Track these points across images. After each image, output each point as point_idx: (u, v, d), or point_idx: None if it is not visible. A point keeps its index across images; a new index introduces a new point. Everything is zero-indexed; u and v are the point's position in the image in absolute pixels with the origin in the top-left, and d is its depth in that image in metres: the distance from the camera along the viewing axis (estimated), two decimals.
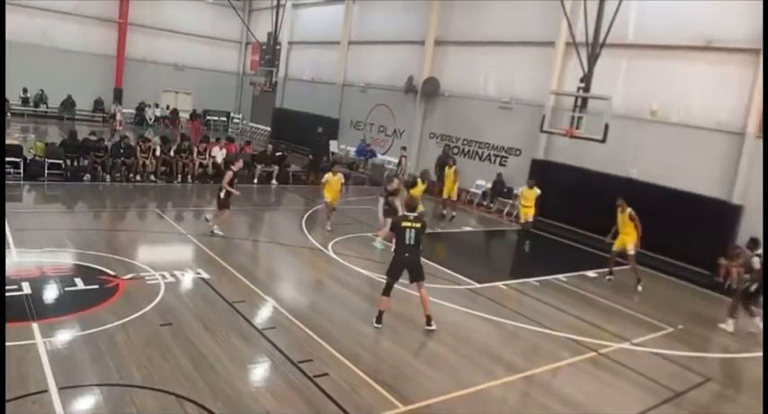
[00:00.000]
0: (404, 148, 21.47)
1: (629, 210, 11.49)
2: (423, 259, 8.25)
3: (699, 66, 14.26)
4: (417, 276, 8.09)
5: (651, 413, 6.70)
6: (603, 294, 10.94)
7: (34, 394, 5.43)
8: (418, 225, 7.96)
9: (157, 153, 16.86)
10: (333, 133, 25.64)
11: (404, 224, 8.01)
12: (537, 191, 13.95)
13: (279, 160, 19.33)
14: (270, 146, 19.94)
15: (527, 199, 14.07)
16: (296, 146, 25.87)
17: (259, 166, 18.45)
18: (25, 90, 27.99)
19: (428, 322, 8.10)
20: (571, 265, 12.54)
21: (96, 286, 8.32)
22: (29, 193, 14.27)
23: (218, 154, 18.19)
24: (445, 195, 16.35)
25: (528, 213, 14.08)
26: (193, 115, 31.24)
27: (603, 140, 13.23)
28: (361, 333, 7.83)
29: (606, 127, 13.05)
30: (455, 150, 20.38)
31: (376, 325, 8.00)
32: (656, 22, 14.89)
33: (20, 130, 23.30)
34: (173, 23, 31.55)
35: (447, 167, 16.50)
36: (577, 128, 13.89)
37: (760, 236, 12.80)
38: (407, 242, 7.96)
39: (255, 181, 18.22)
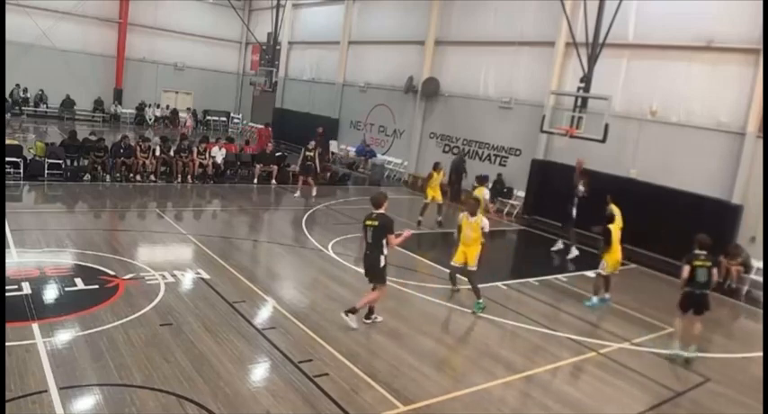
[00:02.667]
0: (319, 128, 22.31)
1: None
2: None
3: (699, 66, 14.26)
4: (370, 277, 7.94)
5: (651, 413, 6.71)
6: None
7: (34, 394, 5.43)
8: (376, 223, 7.67)
9: (157, 153, 16.86)
10: (333, 133, 25.70)
11: (365, 222, 7.81)
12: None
13: (278, 160, 19.33)
14: (269, 145, 19.94)
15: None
16: (296, 146, 25.82)
17: (258, 166, 18.45)
18: (25, 90, 27.99)
19: (348, 311, 7.74)
20: (571, 265, 12.54)
21: (96, 286, 8.32)
22: (29, 193, 14.26)
23: (218, 154, 18.21)
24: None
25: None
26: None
27: (603, 140, 13.26)
28: (361, 333, 7.82)
29: (606, 127, 13.08)
30: (455, 150, 20.41)
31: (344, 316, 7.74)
32: (656, 22, 14.89)
33: (20, 130, 23.30)
34: (173, 23, 31.56)
35: (436, 173, 14.86)
36: (577, 128, 13.90)
37: (760, 236, 12.90)
38: (367, 240, 7.82)
39: (255, 181, 18.21)
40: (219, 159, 18.16)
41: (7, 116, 25.91)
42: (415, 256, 11.86)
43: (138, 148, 16.59)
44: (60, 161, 15.48)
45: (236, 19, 31.80)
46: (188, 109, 31.98)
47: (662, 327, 9.54)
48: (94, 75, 29.67)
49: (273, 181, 18.51)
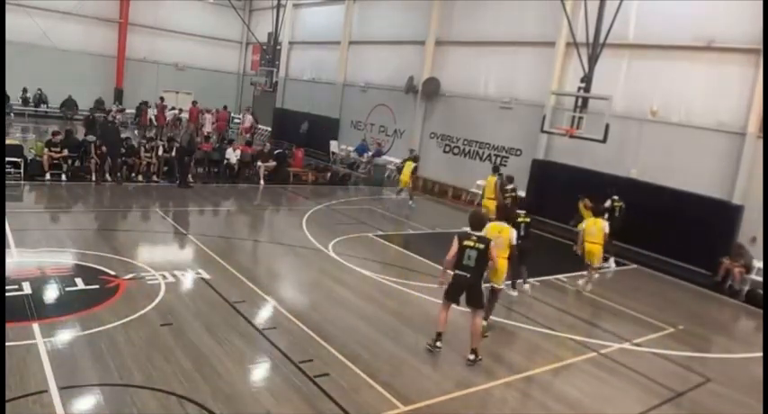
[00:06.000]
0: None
1: None
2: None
3: (699, 66, 14.24)
4: (474, 304, 7.39)
5: (651, 413, 6.71)
6: (603, 294, 10.94)
7: (34, 394, 5.43)
8: (481, 246, 7.18)
9: (160, 153, 16.88)
10: (333, 133, 25.71)
11: (464, 243, 7.23)
12: (604, 225, 10.82)
13: (276, 157, 19.34)
14: (268, 144, 20.01)
15: (591, 235, 10.78)
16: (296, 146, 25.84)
17: (260, 163, 18.46)
18: (25, 90, 28.00)
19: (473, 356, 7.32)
20: (571, 265, 12.53)
21: (97, 286, 8.31)
22: (29, 193, 14.26)
23: (232, 155, 18.37)
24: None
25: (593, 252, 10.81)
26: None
27: (604, 140, 13.27)
28: (361, 333, 7.82)
29: (607, 127, 13.09)
30: (455, 150, 20.44)
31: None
32: (656, 22, 14.88)
33: (20, 129, 23.32)
34: (173, 23, 31.56)
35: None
36: (578, 128, 13.91)
37: (760, 236, 12.89)
38: (466, 263, 7.25)
39: (262, 182, 18.16)
40: (234, 160, 18.30)
41: (11, 116, 25.96)
42: (415, 256, 11.89)
43: (142, 149, 16.63)
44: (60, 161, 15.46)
45: (236, 19, 31.79)
46: (247, 110, 29.56)
47: (662, 327, 9.55)
48: (95, 75, 29.68)
49: (261, 181, 18.24)
